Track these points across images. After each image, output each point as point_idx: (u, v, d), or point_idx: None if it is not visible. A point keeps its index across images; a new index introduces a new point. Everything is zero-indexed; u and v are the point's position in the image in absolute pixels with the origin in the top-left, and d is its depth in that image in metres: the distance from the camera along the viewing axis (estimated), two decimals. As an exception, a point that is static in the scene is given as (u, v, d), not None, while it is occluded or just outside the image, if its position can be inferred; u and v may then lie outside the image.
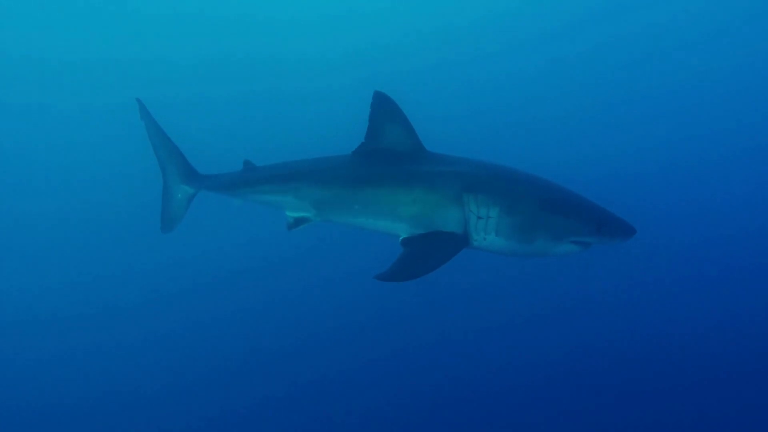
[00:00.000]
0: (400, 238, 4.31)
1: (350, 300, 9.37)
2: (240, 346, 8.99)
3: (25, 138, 20.75)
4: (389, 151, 4.66)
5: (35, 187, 17.53)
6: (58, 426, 7.75)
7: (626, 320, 9.15)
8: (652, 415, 7.34)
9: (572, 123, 20.12)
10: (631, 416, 7.28)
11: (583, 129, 19.89)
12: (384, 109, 4.60)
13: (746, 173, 16.80)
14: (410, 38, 25.66)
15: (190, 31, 27.00)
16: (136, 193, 11.36)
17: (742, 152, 18.38)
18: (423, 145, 4.70)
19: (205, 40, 26.71)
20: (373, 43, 25.97)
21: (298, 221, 5.04)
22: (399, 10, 27.11)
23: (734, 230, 12.76)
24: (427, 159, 4.61)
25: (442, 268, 3.90)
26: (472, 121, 20.09)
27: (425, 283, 3.93)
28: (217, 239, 11.92)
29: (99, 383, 8.38)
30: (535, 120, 20.16)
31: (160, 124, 5.77)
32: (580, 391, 7.62)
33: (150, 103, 5.70)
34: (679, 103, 21.35)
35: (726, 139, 19.17)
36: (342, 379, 8.11)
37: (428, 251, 4.07)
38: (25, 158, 19.54)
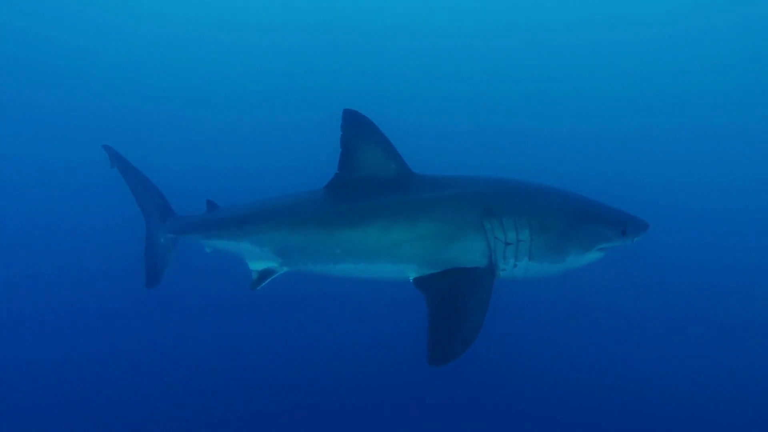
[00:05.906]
0: (411, 278, 3.67)
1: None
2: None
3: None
4: (371, 179, 3.94)
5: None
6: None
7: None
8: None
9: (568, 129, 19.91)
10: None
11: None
12: (358, 129, 3.92)
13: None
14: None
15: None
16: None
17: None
18: (410, 168, 4.03)
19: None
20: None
21: (263, 275, 4.25)
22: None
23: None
24: (424, 184, 3.90)
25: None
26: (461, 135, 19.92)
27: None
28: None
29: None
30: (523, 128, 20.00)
31: (134, 164, 5.40)
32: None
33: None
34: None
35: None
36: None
37: (459, 300, 3.38)
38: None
